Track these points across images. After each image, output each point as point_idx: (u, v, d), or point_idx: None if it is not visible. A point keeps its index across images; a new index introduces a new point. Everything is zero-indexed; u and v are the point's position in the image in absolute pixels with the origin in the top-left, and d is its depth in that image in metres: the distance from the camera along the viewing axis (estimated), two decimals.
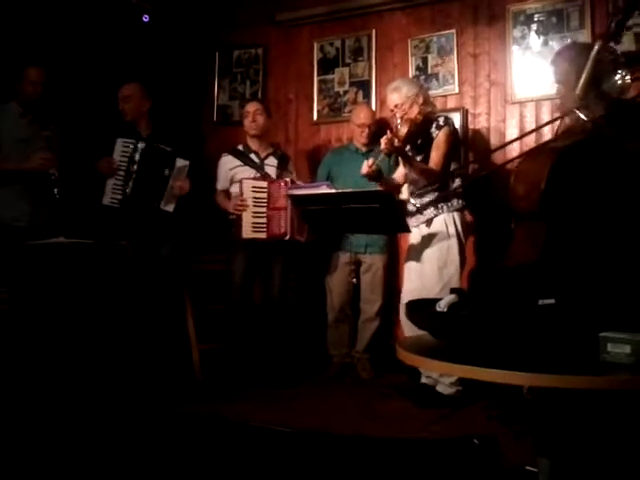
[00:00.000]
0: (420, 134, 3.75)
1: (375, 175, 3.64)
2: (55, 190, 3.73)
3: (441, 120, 3.75)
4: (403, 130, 3.65)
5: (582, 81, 2.37)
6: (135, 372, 3.54)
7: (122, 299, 3.59)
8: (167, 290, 4.20)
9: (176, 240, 4.28)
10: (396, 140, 3.57)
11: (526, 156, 2.52)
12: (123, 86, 4.33)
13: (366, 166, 3.63)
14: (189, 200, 4.30)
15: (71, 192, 3.91)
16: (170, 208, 4.21)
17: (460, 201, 3.75)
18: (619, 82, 2.26)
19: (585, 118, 2.23)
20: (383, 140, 3.57)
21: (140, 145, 4.16)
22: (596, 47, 2.38)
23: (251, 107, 4.48)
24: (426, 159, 3.74)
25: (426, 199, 3.75)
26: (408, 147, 3.78)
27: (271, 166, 4.43)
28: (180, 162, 4.23)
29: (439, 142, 3.69)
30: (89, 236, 3.53)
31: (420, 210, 3.72)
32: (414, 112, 3.73)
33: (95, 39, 4.67)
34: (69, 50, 4.49)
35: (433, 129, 3.73)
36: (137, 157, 4.14)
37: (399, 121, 3.69)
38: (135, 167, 4.14)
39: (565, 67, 2.60)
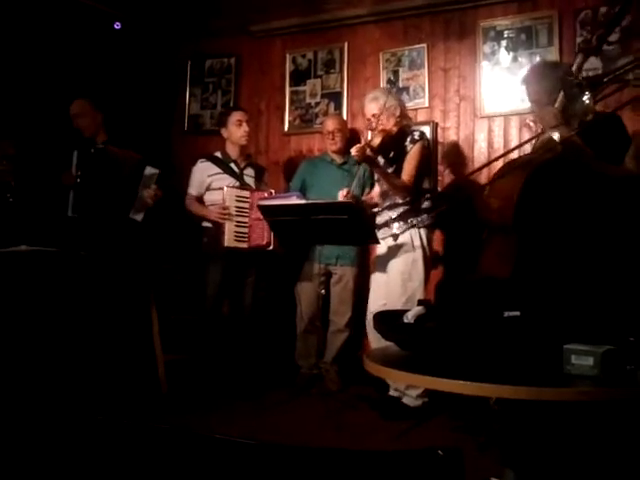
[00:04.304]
0: (394, 146, 3.77)
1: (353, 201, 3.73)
2: (8, 195, 3.66)
3: (416, 134, 3.78)
4: (376, 140, 3.68)
5: (560, 97, 2.41)
6: (98, 383, 3.47)
7: (83, 308, 3.53)
8: (132, 300, 4.11)
9: (141, 249, 4.19)
10: (368, 149, 3.60)
11: (501, 171, 2.55)
12: (72, 104, 4.24)
13: (341, 196, 3.76)
14: (158, 209, 4.22)
15: (33, 203, 3.84)
16: (139, 217, 4.11)
17: (429, 218, 3.78)
18: (585, 103, 2.32)
19: (557, 139, 2.27)
20: (355, 148, 3.61)
21: (91, 152, 4.04)
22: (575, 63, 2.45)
23: (243, 116, 4.40)
24: (398, 171, 3.76)
25: (395, 213, 3.77)
26: (381, 158, 3.80)
27: (250, 176, 4.41)
28: (149, 170, 4.12)
29: (412, 155, 3.73)
30: (53, 245, 3.46)
31: (388, 223, 3.75)
32: (390, 124, 3.76)
33: (65, 46, 4.62)
34: (36, 58, 4.42)
35: (407, 142, 3.75)
36: (89, 165, 4.03)
37: (371, 132, 3.72)
38: (89, 175, 4.02)
39: (535, 87, 2.64)
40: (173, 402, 3.88)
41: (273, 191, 4.28)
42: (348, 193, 3.74)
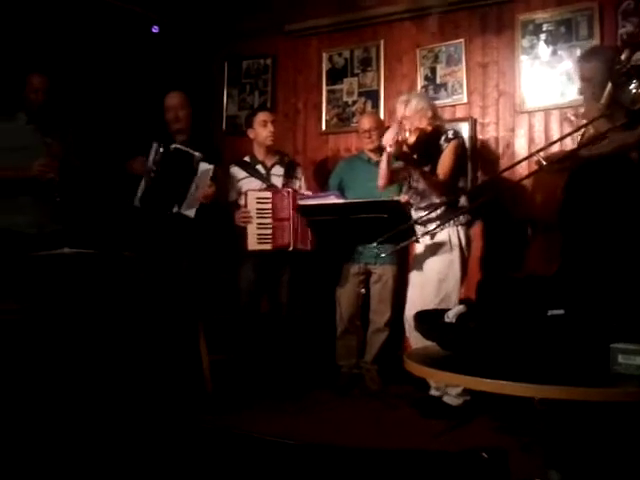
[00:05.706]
0: (429, 145, 3.76)
1: None
2: (55, 194, 3.73)
3: (450, 133, 3.76)
4: (412, 138, 3.67)
5: (607, 91, 2.39)
6: (144, 383, 3.53)
7: (129, 309, 3.58)
8: (183, 302, 4.14)
9: (196, 252, 4.20)
10: (404, 146, 3.60)
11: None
12: (170, 95, 4.32)
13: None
14: (210, 208, 4.17)
15: (93, 196, 3.93)
16: (191, 213, 4.03)
17: (466, 216, 3.74)
18: (632, 92, 2.27)
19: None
20: (389, 138, 3.60)
21: (170, 146, 4.06)
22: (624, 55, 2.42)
23: (269, 116, 4.42)
24: (433, 170, 3.74)
25: (433, 212, 3.75)
26: (416, 157, 3.79)
27: (277, 175, 4.41)
28: (203, 166, 4.06)
29: (447, 154, 3.71)
30: (99, 246, 3.52)
31: (427, 222, 3.72)
32: (423, 124, 3.75)
33: (105, 49, 4.71)
34: (81, 60, 4.52)
35: (442, 141, 3.74)
36: (164, 160, 4.05)
37: (407, 133, 3.70)
38: (161, 170, 4.05)
39: (592, 65, 2.66)
40: (218, 401, 3.91)
41: (291, 190, 4.20)
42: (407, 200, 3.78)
